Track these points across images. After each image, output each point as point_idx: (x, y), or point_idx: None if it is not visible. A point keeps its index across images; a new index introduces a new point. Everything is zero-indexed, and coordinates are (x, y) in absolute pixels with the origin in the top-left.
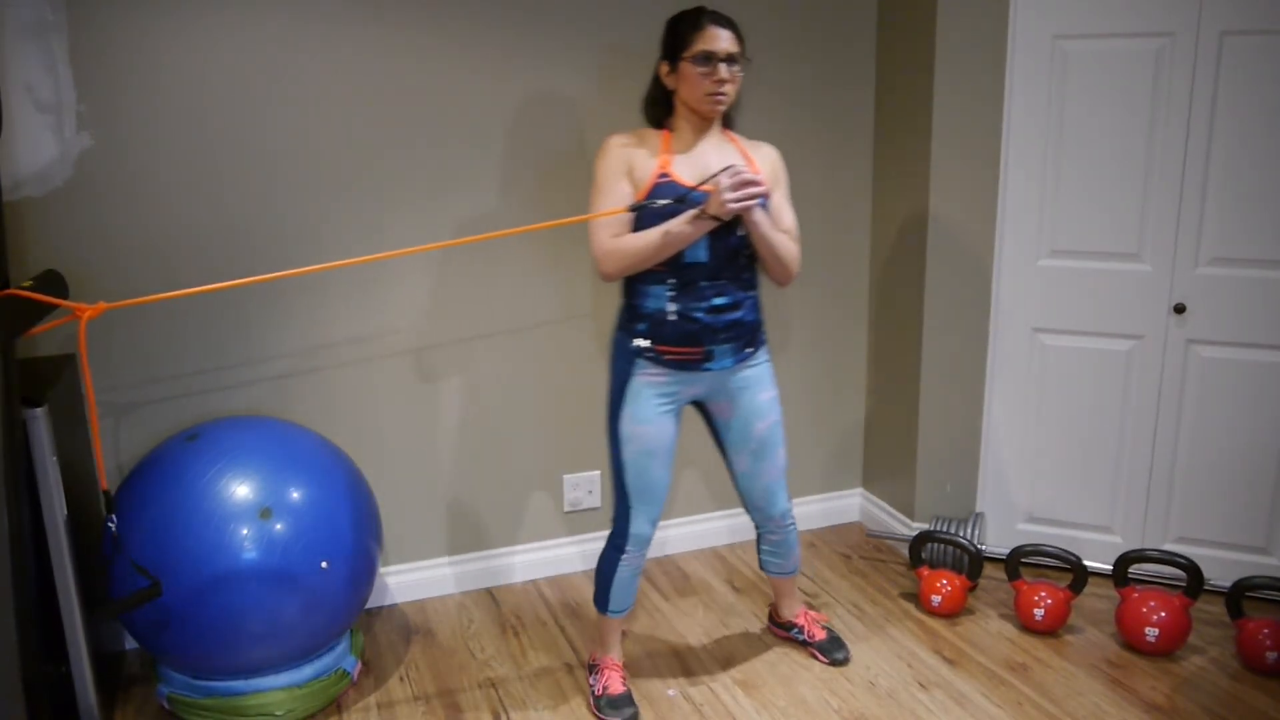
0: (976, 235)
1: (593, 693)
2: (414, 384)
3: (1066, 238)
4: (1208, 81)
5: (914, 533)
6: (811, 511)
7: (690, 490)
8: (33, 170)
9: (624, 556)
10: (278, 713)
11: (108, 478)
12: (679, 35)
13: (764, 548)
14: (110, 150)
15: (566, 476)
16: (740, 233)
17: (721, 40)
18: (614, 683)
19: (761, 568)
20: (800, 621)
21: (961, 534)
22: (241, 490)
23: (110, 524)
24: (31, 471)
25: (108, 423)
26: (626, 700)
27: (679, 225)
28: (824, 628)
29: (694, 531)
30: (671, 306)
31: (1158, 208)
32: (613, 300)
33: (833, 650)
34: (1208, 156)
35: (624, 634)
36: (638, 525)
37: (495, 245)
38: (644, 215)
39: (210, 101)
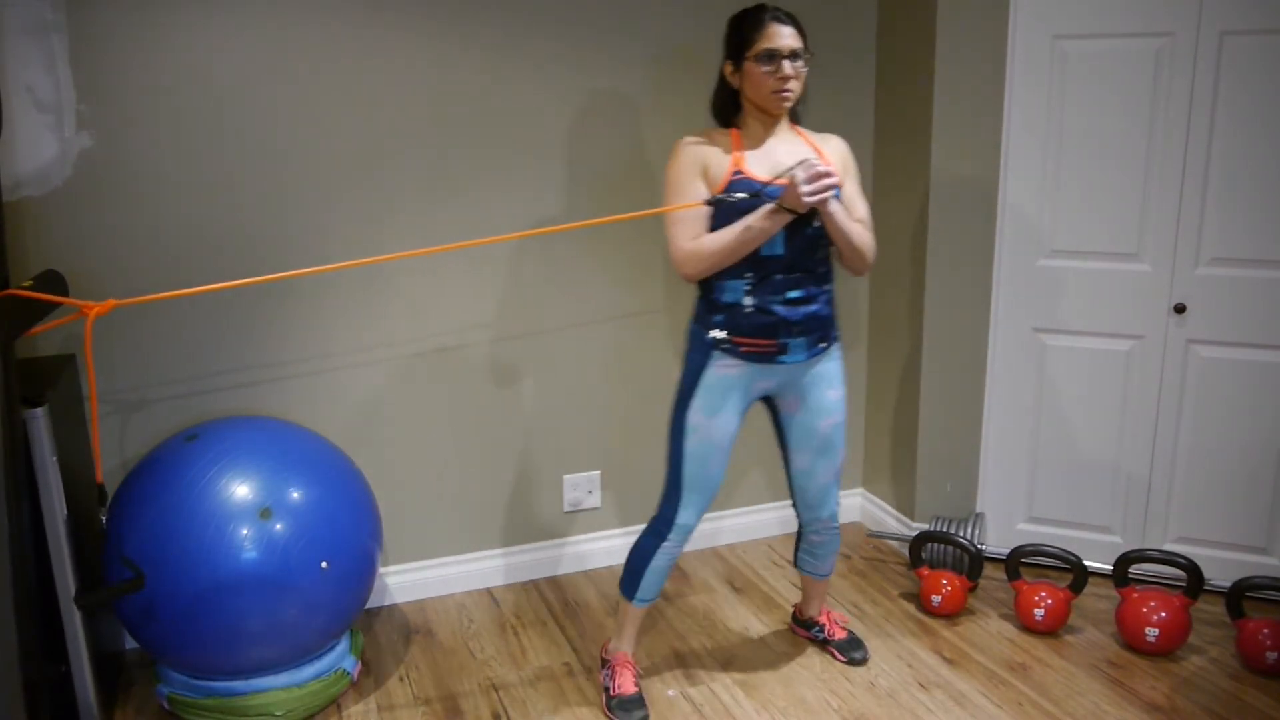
0: (976, 235)
1: (605, 691)
2: (414, 384)
3: (1066, 238)
4: (1208, 81)
5: (914, 533)
6: None
7: None
8: (33, 170)
9: (664, 544)
10: (278, 713)
11: (111, 477)
12: (742, 34)
13: (804, 547)
14: (110, 150)
15: (566, 476)
16: (816, 225)
17: (784, 37)
18: (626, 683)
19: (796, 564)
20: (822, 620)
21: (961, 534)
22: (241, 490)
23: (102, 516)
24: (31, 471)
25: (108, 422)
26: (638, 702)
27: (757, 220)
28: (844, 628)
29: (695, 532)
30: (748, 300)
31: (1158, 208)
32: (615, 302)
33: (850, 649)
34: (1208, 156)
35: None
36: (685, 515)
37: (494, 250)
38: (720, 214)
39: (210, 101)
